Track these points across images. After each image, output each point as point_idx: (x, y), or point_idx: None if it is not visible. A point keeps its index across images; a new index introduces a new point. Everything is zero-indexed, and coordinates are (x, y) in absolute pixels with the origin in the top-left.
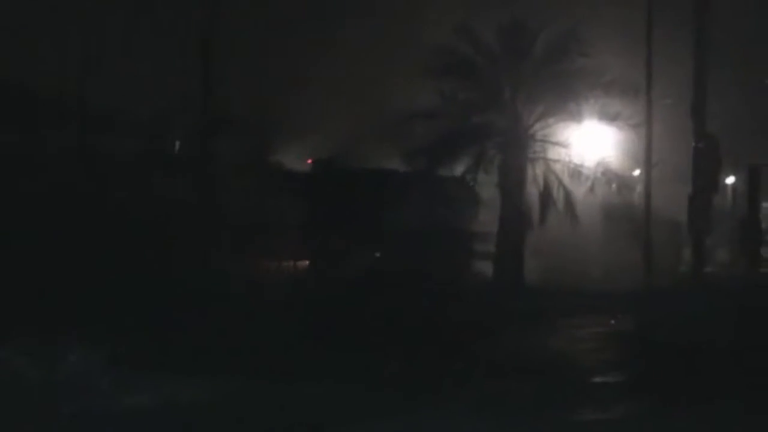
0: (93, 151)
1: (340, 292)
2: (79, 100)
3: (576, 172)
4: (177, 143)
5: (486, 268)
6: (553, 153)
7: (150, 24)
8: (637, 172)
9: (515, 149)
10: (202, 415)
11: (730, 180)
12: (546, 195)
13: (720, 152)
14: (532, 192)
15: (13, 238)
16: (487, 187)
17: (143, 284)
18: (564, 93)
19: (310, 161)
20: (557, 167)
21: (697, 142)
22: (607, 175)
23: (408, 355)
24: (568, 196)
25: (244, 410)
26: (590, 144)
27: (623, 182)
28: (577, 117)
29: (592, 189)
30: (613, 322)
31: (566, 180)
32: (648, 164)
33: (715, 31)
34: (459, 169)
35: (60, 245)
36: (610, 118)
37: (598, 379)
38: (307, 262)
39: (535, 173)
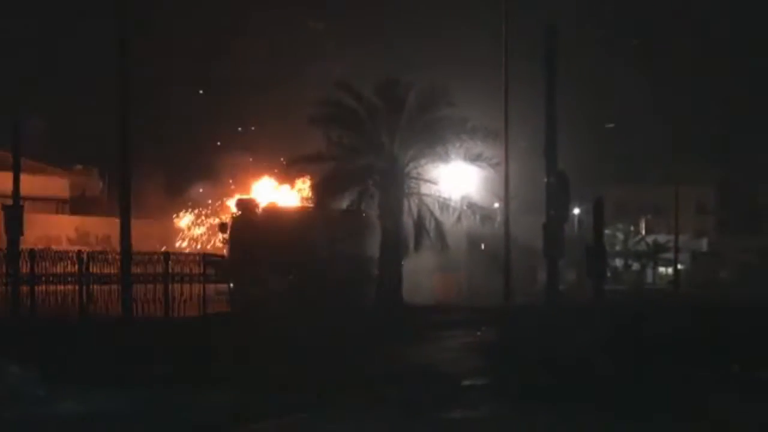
0: None
1: (256, 311)
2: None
3: (445, 205)
4: (101, 184)
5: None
6: (425, 189)
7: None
8: (497, 205)
9: (392, 186)
10: (122, 418)
11: (576, 211)
12: (419, 225)
13: (569, 187)
14: (408, 222)
15: None
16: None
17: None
18: (434, 138)
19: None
20: (429, 201)
21: (549, 178)
22: (471, 207)
23: (303, 366)
24: (438, 226)
25: (155, 415)
26: (457, 181)
27: (485, 214)
28: (445, 158)
29: (459, 219)
30: (478, 333)
31: (437, 212)
32: (506, 198)
33: (565, 79)
34: (344, 203)
35: None
36: (473, 158)
37: (467, 383)
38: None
39: (410, 206)
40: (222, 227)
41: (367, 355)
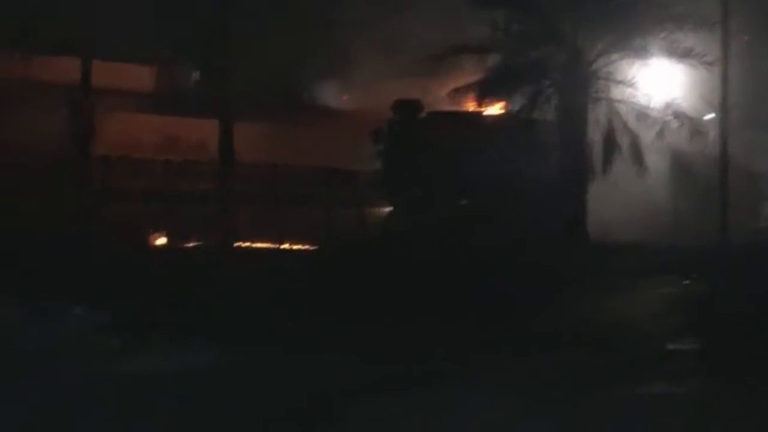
0: None
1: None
2: None
3: (642, 114)
4: (195, 75)
5: None
6: (618, 93)
7: None
8: (711, 116)
9: (575, 87)
10: (208, 378)
11: None
12: (609, 140)
13: None
14: (594, 136)
15: None
16: None
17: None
18: (630, 26)
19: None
20: (622, 109)
21: None
22: (677, 118)
23: (470, 317)
24: (634, 142)
25: (255, 376)
26: (659, 84)
27: (695, 127)
28: (643, 53)
29: (660, 134)
30: (687, 282)
31: (632, 123)
32: (724, 107)
33: None
34: (512, 109)
35: None
36: (681, 54)
37: (671, 347)
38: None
39: (597, 115)
40: (375, 136)
41: (542, 311)
